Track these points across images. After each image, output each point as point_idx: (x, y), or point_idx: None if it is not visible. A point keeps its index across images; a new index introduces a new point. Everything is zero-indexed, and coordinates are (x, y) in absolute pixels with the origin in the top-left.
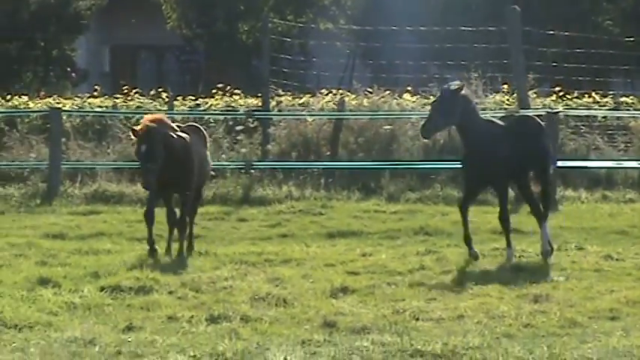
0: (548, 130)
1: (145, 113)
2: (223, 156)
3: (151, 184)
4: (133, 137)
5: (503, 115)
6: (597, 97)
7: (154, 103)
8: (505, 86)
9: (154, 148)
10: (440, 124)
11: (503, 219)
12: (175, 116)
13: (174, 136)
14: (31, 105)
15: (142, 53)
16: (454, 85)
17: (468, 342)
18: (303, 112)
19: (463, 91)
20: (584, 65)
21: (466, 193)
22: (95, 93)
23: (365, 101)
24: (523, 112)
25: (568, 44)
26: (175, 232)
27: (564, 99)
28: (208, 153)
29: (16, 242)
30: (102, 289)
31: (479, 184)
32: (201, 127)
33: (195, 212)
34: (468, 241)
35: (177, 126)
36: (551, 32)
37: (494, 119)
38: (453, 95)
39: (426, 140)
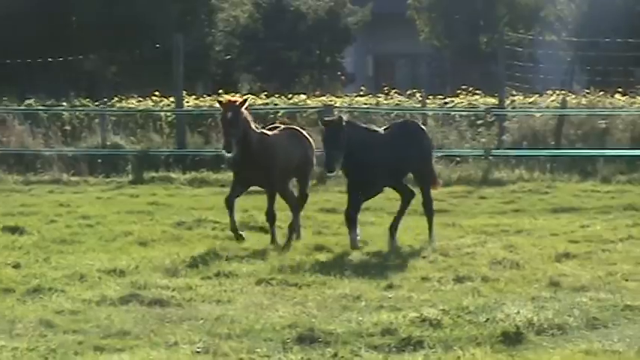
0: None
1: (402, 110)
2: (466, 145)
3: (231, 147)
4: (220, 107)
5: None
6: None
7: (410, 101)
8: None
9: (236, 116)
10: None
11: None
12: (427, 112)
13: (253, 128)
14: (309, 102)
15: (399, 60)
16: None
17: None
18: (533, 109)
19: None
20: None
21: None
22: (361, 93)
23: (583, 100)
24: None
25: None
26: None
27: None
28: (310, 153)
29: None
30: (367, 254)
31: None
32: (302, 131)
33: (304, 202)
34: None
35: (274, 126)
36: None
37: (375, 128)
38: (338, 127)
39: (331, 175)
